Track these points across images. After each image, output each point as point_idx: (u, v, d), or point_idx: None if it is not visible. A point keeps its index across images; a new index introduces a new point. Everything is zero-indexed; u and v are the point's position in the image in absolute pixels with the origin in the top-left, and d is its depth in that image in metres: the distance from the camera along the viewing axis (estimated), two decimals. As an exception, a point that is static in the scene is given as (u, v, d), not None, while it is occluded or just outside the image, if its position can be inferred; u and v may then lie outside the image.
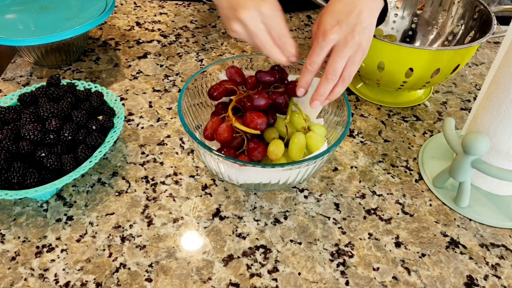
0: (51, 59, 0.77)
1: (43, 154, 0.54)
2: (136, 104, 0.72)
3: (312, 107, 0.53)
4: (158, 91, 0.75)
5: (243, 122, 0.54)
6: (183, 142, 0.66)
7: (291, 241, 0.54)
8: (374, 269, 0.52)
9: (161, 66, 0.81)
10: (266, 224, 0.56)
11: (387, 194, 0.61)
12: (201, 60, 0.83)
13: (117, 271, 0.50)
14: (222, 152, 0.54)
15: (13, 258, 0.50)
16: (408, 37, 0.84)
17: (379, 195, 0.60)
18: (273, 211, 0.57)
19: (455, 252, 0.54)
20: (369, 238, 0.55)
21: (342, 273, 0.51)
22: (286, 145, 0.55)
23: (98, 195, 0.58)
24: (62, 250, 0.51)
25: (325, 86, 0.51)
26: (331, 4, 0.52)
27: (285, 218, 0.57)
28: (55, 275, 0.49)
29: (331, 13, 0.51)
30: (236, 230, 0.55)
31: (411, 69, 0.66)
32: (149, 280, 0.49)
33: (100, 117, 0.60)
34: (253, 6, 0.50)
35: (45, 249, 0.51)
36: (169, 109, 0.72)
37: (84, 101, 0.63)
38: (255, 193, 0.59)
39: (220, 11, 0.55)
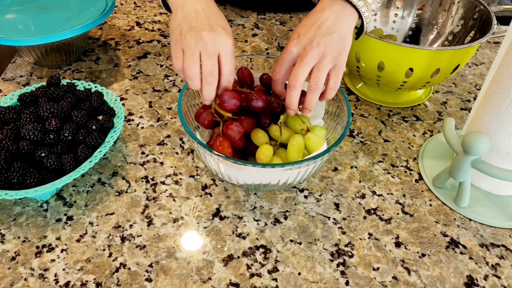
0: (51, 59, 0.77)
1: (43, 154, 0.54)
2: (136, 104, 0.72)
3: (289, 114, 0.55)
4: (158, 91, 0.75)
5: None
6: (183, 142, 0.66)
7: (291, 241, 0.54)
8: (374, 269, 0.52)
9: (161, 66, 0.81)
10: (266, 224, 0.56)
11: (387, 194, 0.61)
12: (201, 60, 0.83)
13: (117, 271, 0.50)
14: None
15: (13, 258, 0.50)
16: (408, 37, 0.84)
17: (379, 195, 0.60)
18: (273, 211, 0.57)
19: (455, 252, 0.54)
20: (369, 238, 0.55)
21: (342, 273, 0.51)
22: (285, 146, 0.56)
23: (98, 195, 0.58)
24: (62, 250, 0.51)
25: (289, 94, 0.52)
26: (300, 23, 0.55)
27: (285, 218, 0.57)
28: (55, 275, 0.49)
29: (296, 30, 0.55)
30: (236, 230, 0.55)
31: (411, 69, 0.66)
32: (149, 280, 0.49)
33: (100, 117, 0.60)
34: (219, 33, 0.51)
35: (45, 249, 0.51)
36: (169, 109, 0.72)
37: (84, 101, 0.63)
38: (255, 193, 0.59)
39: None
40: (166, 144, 0.66)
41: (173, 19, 0.54)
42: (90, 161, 0.55)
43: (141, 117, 0.70)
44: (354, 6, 0.54)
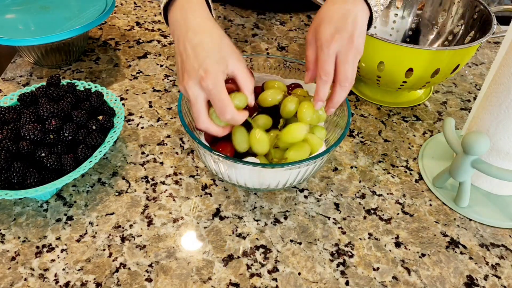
0: (51, 59, 0.77)
1: (43, 154, 0.54)
2: (136, 104, 0.72)
3: (328, 114, 0.55)
4: (158, 91, 0.75)
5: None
6: (183, 142, 0.66)
7: (291, 241, 0.54)
8: (374, 269, 0.52)
9: (161, 66, 0.81)
10: (266, 224, 0.56)
11: (387, 194, 0.61)
12: (201, 60, 0.83)
13: (117, 271, 0.50)
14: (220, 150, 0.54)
15: (13, 258, 0.50)
16: (408, 37, 0.84)
17: (379, 195, 0.60)
18: (273, 211, 0.57)
19: (455, 252, 0.54)
20: (369, 238, 0.55)
21: (342, 273, 0.51)
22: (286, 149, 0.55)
23: (98, 195, 0.58)
24: (62, 250, 0.51)
25: (339, 94, 0.52)
26: (323, 12, 0.52)
27: (285, 218, 0.57)
28: (55, 275, 0.49)
29: (329, 22, 0.51)
30: (236, 230, 0.55)
31: (411, 69, 0.66)
32: (149, 280, 0.49)
33: (100, 117, 0.60)
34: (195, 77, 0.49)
35: (45, 249, 0.51)
36: (169, 109, 0.72)
37: (84, 101, 0.63)
38: (255, 193, 0.59)
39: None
40: (166, 144, 0.66)
41: None
42: (90, 161, 0.55)
43: (141, 117, 0.70)
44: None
